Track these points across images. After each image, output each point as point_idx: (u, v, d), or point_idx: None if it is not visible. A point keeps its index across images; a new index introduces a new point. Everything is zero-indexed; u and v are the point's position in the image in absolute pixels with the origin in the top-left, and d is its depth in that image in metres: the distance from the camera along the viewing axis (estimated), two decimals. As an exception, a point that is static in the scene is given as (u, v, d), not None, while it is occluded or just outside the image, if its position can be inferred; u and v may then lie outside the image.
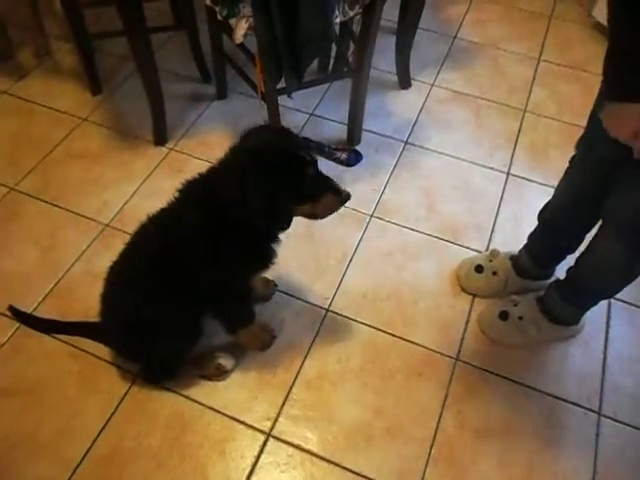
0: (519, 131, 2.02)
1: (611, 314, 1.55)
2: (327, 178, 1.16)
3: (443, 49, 2.32)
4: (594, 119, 1.17)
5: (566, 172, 1.34)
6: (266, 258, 1.20)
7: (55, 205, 1.73)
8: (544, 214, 1.44)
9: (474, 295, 1.58)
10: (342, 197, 1.15)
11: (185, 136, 1.94)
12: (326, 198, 1.14)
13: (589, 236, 1.36)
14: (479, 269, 1.56)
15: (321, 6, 1.26)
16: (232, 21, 1.46)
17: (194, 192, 1.14)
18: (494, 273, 1.55)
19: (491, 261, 1.57)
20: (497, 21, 2.47)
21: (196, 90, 2.10)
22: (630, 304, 1.57)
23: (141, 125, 1.94)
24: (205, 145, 1.91)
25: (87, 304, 1.50)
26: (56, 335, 1.43)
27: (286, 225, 1.14)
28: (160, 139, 1.91)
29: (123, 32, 1.73)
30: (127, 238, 1.63)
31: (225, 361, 1.37)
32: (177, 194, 1.16)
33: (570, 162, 1.32)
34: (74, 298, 1.52)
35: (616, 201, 1.13)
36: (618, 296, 1.52)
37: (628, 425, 1.36)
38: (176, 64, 2.14)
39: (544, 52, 2.32)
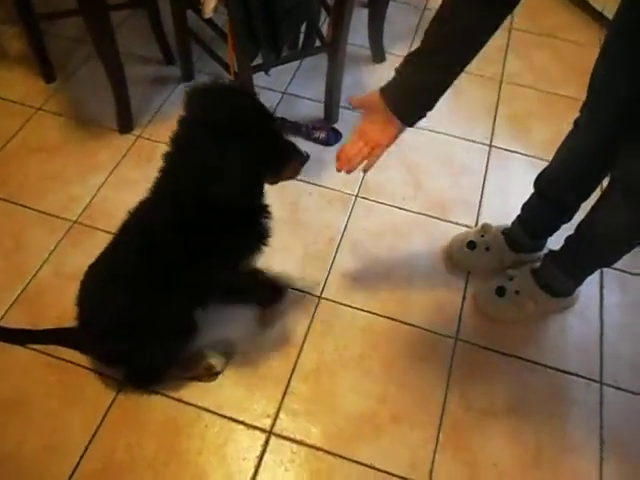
0: (497, 102, 1.98)
1: (604, 282, 1.54)
2: (288, 140, 1.07)
3: (414, 21, 2.26)
4: (596, 84, 1.14)
5: (567, 137, 1.30)
6: (259, 234, 1.11)
7: (15, 203, 1.59)
8: (540, 181, 1.40)
9: (468, 272, 1.54)
10: (303, 159, 1.07)
11: (152, 122, 1.82)
12: (291, 162, 1.07)
13: (585, 205, 1.34)
14: (471, 245, 1.52)
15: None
16: (200, -7, 1.34)
17: (164, 184, 1.03)
18: (487, 249, 1.51)
19: (483, 236, 1.54)
20: (465, -10, 2.42)
21: (160, 72, 1.97)
22: (622, 271, 1.56)
23: (103, 112, 1.80)
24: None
25: (59, 308, 1.39)
26: (28, 345, 1.32)
27: (258, 195, 1.06)
28: (125, 126, 1.78)
29: (77, 11, 1.59)
30: (98, 234, 1.54)
31: (215, 361, 1.29)
32: (150, 189, 1.05)
33: (574, 125, 1.27)
34: (45, 303, 1.41)
35: (627, 162, 1.09)
36: (610, 264, 1.51)
37: (630, 392, 1.36)
38: (136, 45, 2.00)
39: (514, 20, 2.28)
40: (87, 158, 1.71)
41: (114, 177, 1.67)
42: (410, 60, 0.97)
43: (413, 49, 0.97)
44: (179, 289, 1.09)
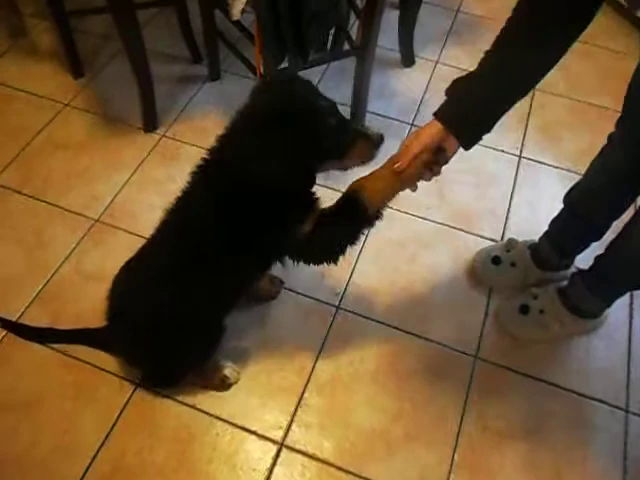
0: (529, 110, 1.92)
1: (634, 304, 1.48)
2: (350, 123, 1.01)
3: (446, 24, 2.20)
4: (633, 95, 1.09)
5: (601, 151, 1.25)
6: (307, 204, 1.05)
7: (39, 200, 1.60)
8: (571, 196, 1.34)
9: (491, 288, 1.50)
10: (375, 141, 0.99)
11: (177, 121, 1.81)
12: (355, 147, 0.99)
13: (617, 223, 1.29)
14: (496, 260, 1.48)
15: (330, -22, 1.14)
16: (228, -5, 1.32)
17: (210, 169, 1.00)
18: (512, 264, 1.47)
19: (508, 251, 1.49)
20: (501, -7, 2.35)
21: (186, 71, 1.97)
22: (653, 293, 1.50)
23: (129, 110, 1.80)
24: (198, 130, 1.78)
25: (79, 307, 1.40)
26: (49, 344, 1.33)
27: (309, 186, 1.02)
28: (150, 125, 1.77)
29: (106, 9, 1.58)
30: (119, 234, 1.55)
31: (230, 372, 1.28)
32: (193, 175, 1.02)
33: (608, 141, 1.22)
34: (64, 301, 1.41)
35: None
36: (640, 285, 1.45)
37: (656, 422, 1.31)
38: (163, 43, 2.00)
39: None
40: (111, 156, 1.71)
41: (137, 176, 1.67)
42: (467, 83, 0.95)
43: (468, 74, 0.95)
44: (218, 284, 1.07)
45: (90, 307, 1.37)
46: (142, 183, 1.66)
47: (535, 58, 0.90)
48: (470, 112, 0.95)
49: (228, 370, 1.27)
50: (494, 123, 0.96)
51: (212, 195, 0.99)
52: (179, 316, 1.08)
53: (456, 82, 0.96)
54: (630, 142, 1.15)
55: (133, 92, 1.72)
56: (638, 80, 1.06)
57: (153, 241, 1.11)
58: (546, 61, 0.91)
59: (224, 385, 1.28)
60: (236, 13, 1.33)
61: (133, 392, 1.27)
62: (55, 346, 1.32)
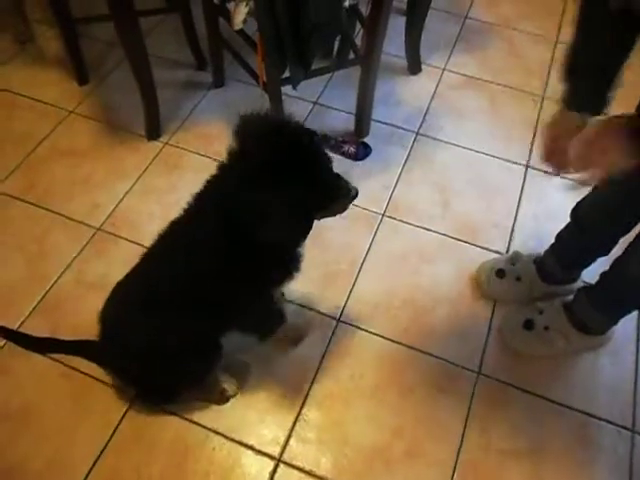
0: (537, 119, 1.89)
1: (642, 321, 1.45)
2: (339, 175, 1.02)
3: (454, 30, 2.17)
4: None
5: None
6: (292, 264, 1.08)
7: (41, 207, 1.60)
8: (578, 210, 1.31)
9: (495, 302, 1.47)
10: (352, 196, 1.03)
11: (180, 129, 1.81)
12: (340, 201, 1.02)
13: (625, 240, 1.26)
14: (500, 274, 1.45)
15: (331, -10, 1.12)
16: (230, 5, 1.31)
17: (206, 207, 0.99)
18: (517, 278, 1.44)
19: (513, 265, 1.46)
20: (509, 0, 2.32)
21: (191, 78, 1.96)
22: (662, 309, 1.46)
23: (132, 118, 1.80)
24: (202, 138, 1.78)
25: (78, 317, 1.39)
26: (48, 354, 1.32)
27: (305, 236, 1.02)
28: (153, 133, 1.77)
29: (110, 16, 1.57)
30: (121, 243, 1.54)
31: (229, 385, 1.27)
32: (189, 207, 1.01)
33: None
34: (64, 311, 1.41)
35: None
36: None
37: (664, 443, 1.27)
38: (168, 49, 1.99)
39: (562, 32, 2.17)
40: (114, 164, 1.71)
41: (139, 185, 1.66)
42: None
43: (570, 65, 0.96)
44: (209, 313, 1.06)
45: (90, 318, 1.33)
46: (144, 192, 1.65)
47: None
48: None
49: (226, 384, 1.26)
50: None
51: (211, 231, 0.97)
52: (172, 337, 1.06)
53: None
54: None
55: (137, 100, 1.71)
56: None
57: (147, 260, 1.09)
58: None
59: (223, 398, 1.26)
60: (238, 23, 1.32)
61: (129, 405, 1.27)
62: (55, 356, 1.32)
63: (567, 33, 0.97)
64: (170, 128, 1.80)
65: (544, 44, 2.13)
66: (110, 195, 1.64)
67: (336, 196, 1.01)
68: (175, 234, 1.04)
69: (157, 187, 1.66)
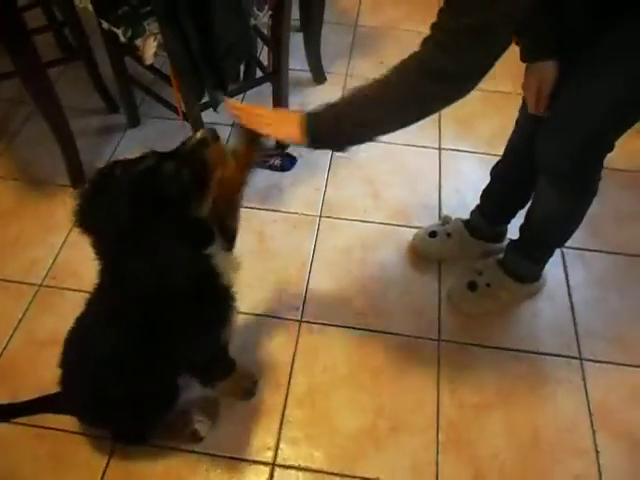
0: (439, 106, 2.05)
1: (566, 263, 1.61)
2: (179, 151, 0.91)
3: (348, 38, 2.32)
4: None
5: (515, 124, 1.38)
6: (223, 297, 1.03)
7: (-25, 275, 1.54)
8: (496, 168, 1.48)
9: (432, 259, 1.59)
10: (211, 139, 0.89)
11: (105, 172, 1.80)
12: (207, 160, 0.89)
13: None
14: (433, 234, 1.60)
15: (237, 10, 1.19)
16: (138, 41, 1.35)
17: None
18: (448, 235, 1.58)
19: (444, 225, 1.61)
20: (391, 3, 2.50)
21: (105, 122, 1.96)
22: (580, 249, 1.64)
23: (53, 170, 1.77)
24: None
25: (37, 376, 1.35)
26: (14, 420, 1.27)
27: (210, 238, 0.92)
28: (77, 180, 1.75)
29: (13, 73, 1.56)
30: (66, 294, 1.51)
31: (201, 426, 1.25)
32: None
33: (519, 112, 1.36)
34: (21, 374, 1.36)
35: (544, 147, 1.19)
36: (568, 244, 1.57)
37: (608, 362, 1.42)
38: (76, 98, 1.98)
39: (443, 26, 2.37)
40: (44, 218, 1.67)
41: (74, 234, 1.63)
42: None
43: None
44: (154, 365, 1.05)
45: (49, 374, 1.30)
46: (80, 240, 1.61)
47: None
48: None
49: (198, 424, 1.25)
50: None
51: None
52: (126, 382, 1.06)
53: None
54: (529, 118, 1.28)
55: (54, 151, 1.70)
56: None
57: (88, 310, 1.10)
58: None
59: (195, 439, 1.25)
60: (149, 57, 1.36)
61: (112, 450, 1.24)
62: (24, 420, 1.26)
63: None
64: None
65: (430, 39, 2.31)
66: (46, 250, 1.60)
67: (200, 170, 0.88)
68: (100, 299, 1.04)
69: (93, 232, 1.64)
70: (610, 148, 1.14)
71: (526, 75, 1.20)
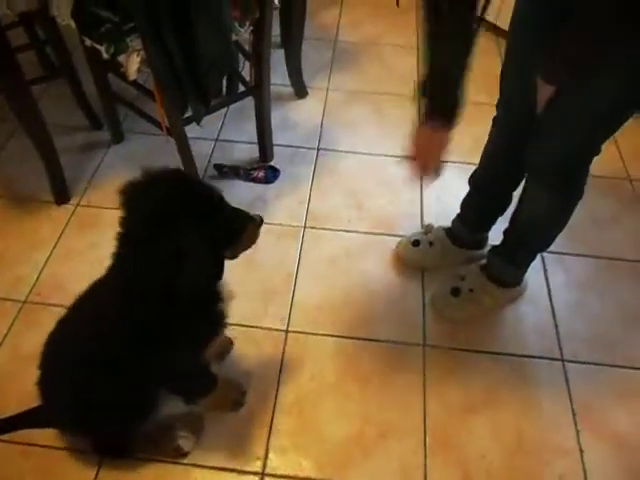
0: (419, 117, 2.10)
1: (547, 267, 1.65)
2: (237, 208, 1.03)
3: (328, 54, 2.37)
4: (507, 81, 1.26)
5: (490, 134, 1.42)
6: (216, 321, 1.08)
7: (-42, 294, 1.53)
8: (473, 178, 1.51)
9: (415, 267, 1.62)
10: (259, 223, 1.05)
11: (89, 188, 1.81)
12: (246, 232, 1.03)
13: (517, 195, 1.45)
14: (416, 243, 1.62)
15: (218, 26, 1.22)
16: (121, 58, 1.37)
17: (118, 281, 0.99)
18: (430, 244, 1.61)
19: (426, 234, 1.64)
20: (370, 20, 2.56)
21: (88, 139, 1.97)
22: (560, 253, 1.67)
23: (37, 186, 1.77)
24: (113, 194, 1.71)
25: (22, 392, 1.32)
26: (-1, 437, 1.26)
27: (220, 277, 1.01)
28: (62, 197, 1.76)
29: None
30: (51, 310, 1.50)
31: (185, 442, 1.24)
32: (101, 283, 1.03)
33: (493, 123, 1.39)
34: (7, 391, 1.35)
35: (534, 152, 1.22)
36: (549, 248, 1.60)
37: (589, 363, 1.45)
38: (60, 115, 1.99)
39: (419, 40, 2.43)
40: (28, 235, 1.67)
41: (59, 249, 1.64)
42: (427, 82, 1.08)
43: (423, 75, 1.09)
44: (134, 374, 1.05)
45: (35, 389, 1.31)
46: (65, 255, 1.63)
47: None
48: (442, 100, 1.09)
49: (182, 440, 1.24)
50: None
51: (123, 298, 0.97)
52: (104, 391, 1.06)
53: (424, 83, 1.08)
54: (509, 122, 1.32)
55: (37, 168, 1.70)
56: (508, 61, 1.24)
57: (72, 320, 1.10)
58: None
59: (178, 455, 1.24)
60: (132, 73, 1.38)
61: (99, 465, 1.23)
62: (7, 437, 1.25)
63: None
64: (78, 190, 1.80)
65: (408, 52, 2.37)
66: (30, 266, 1.60)
67: (242, 227, 1.02)
68: (92, 294, 1.05)
69: (77, 248, 1.64)
70: (598, 152, 1.17)
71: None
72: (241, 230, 1.02)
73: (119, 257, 0.95)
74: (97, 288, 1.05)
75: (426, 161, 1.19)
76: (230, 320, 1.35)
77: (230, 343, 1.42)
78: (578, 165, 1.21)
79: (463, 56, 1.03)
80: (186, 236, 0.87)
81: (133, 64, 1.34)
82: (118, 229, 0.92)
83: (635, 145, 2.01)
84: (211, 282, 1.01)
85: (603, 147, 1.17)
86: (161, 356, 1.02)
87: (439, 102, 1.09)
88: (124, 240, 0.92)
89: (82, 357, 1.04)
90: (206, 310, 1.04)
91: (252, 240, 1.06)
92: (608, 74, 0.99)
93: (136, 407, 1.14)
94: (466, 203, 1.57)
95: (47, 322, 1.46)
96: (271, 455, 1.27)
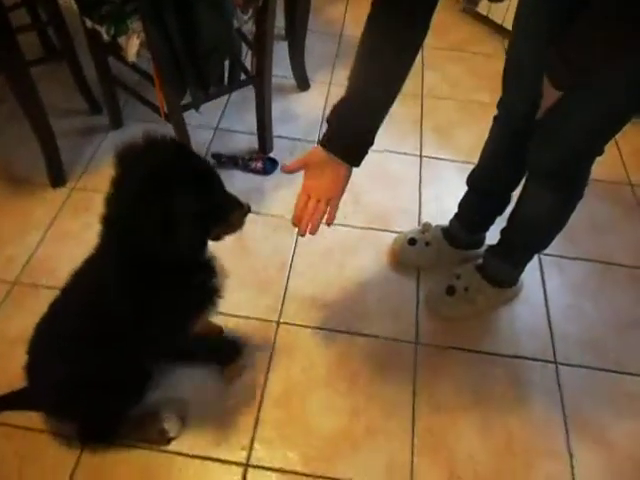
0: (422, 115, 2.09)
1: (543, 269, 1.63)
2: (229, 192, 1.02)
3: (333, 48, 2.36)
4: (508, 81, 1.24)
5: (489, 133, 1.40)
6: (207, 294, 1.07)
7: (-52, 273, 1.52)
8: (472, 178, 1.49)
9: (410, 266, 1.60)
10: (246, 210, 1.04)
11: (86, 173, 1.79)
12: (234, 214, 1.03)
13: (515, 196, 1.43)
14: (412, 242, 1.60)
15: (220, 10, 1.21)
16: (121, 39, 1.36)
17: (106, 246, 0.97)
18: (427, 244, 1.59)
19: (423, 233, 1.62)
20: (376, 16, 2.55)
21: (87, 123, 1.95)
22: (557, 256, 1.66)
23: (33, 169, 1.76)
24: (108, 179, 1.76)
25: (10, 374, 1.29)
26: (-20, 417, 1.24)
27: (202, 250, 1.02)
28: (57, 180, 1.74)
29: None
30: (41, 292, 1.49)
31: (170, 425, 1.23)
32: (93, 250, 1.01)
33: (493, 122, 1.37)
34: (-8, 372, 1.33)
35: (535, 151, 1.20)
36: (546, 251, 1.59)
37: (582, 367, 1.43)
38: (59, 98, 1.97)
39: (426, 38, 2.41)
40: (22, 217, 1.66)
41: (53, 232, 1.63)
42: (340, 107, 1.02)
43: (340, 99, 1.03)
44: (126, 348, 1.05)
45: (22, 371, 1.30)
46: (59, 238, 1.61)
47: (394, 58, 1.00)
48: (350, 133, 1.02)
49: (167, 423, 1.22)
50: (375, 133, 1.05)
51: (112, 263, 0.97)
52: (95, 368, 1.06)
53: (335, 109, 1.04)
54: (509, 119, 1.30)
55: (34, 150, 1.69)
56: (510, 60, 1.22)
57: (60, 302, 1.10)
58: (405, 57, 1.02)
59: (162, 440, 1.23)
60: (131, 55, 1.36)
61: (82, 449, 1.22)
62: (-12, 418, 1.24)
63: (430, 38, 1.12)
64: (75, 173, 1.79)
65: (413, 50, 2.36)
66: (22, 247, 1.58)
67: (230, 209, 1.01)
68: (83, 272, 1.05)
69: (72, 231, 1.63)
70: (601, 152, 1.15)
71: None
72: (228, 212, 1.01)
73: (107, 220, 0.92)
74: (86, 262, 1.04)
75: (316, 210, 1.08)
76: (222, 309, 1.35)
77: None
78: (581, 166, 1.20)
79: (395, 77, 1.00)
80: (178, 200, 0.85)
81: (133, 46, 1.33)
82: (109, 189, 0.91)
83: (637, 150, 2.00)
84: (195, 252, 1.00)
85: (605, 148, 1.15)
86: (148, 325, 1.01)
87: (346, 132, 1.02)
88: (114, 201, 0.90)
89: (72, 333, 1.03)
90: (198, 282, 1.03)
91: (237, 225, 1.05)
92: (611, 75, 0.97)
93: (126, 386, 1.13)
94: (464, 204, 1.55)
95: (36, 303, 1.44)
96: (256, 446, 1.25)
